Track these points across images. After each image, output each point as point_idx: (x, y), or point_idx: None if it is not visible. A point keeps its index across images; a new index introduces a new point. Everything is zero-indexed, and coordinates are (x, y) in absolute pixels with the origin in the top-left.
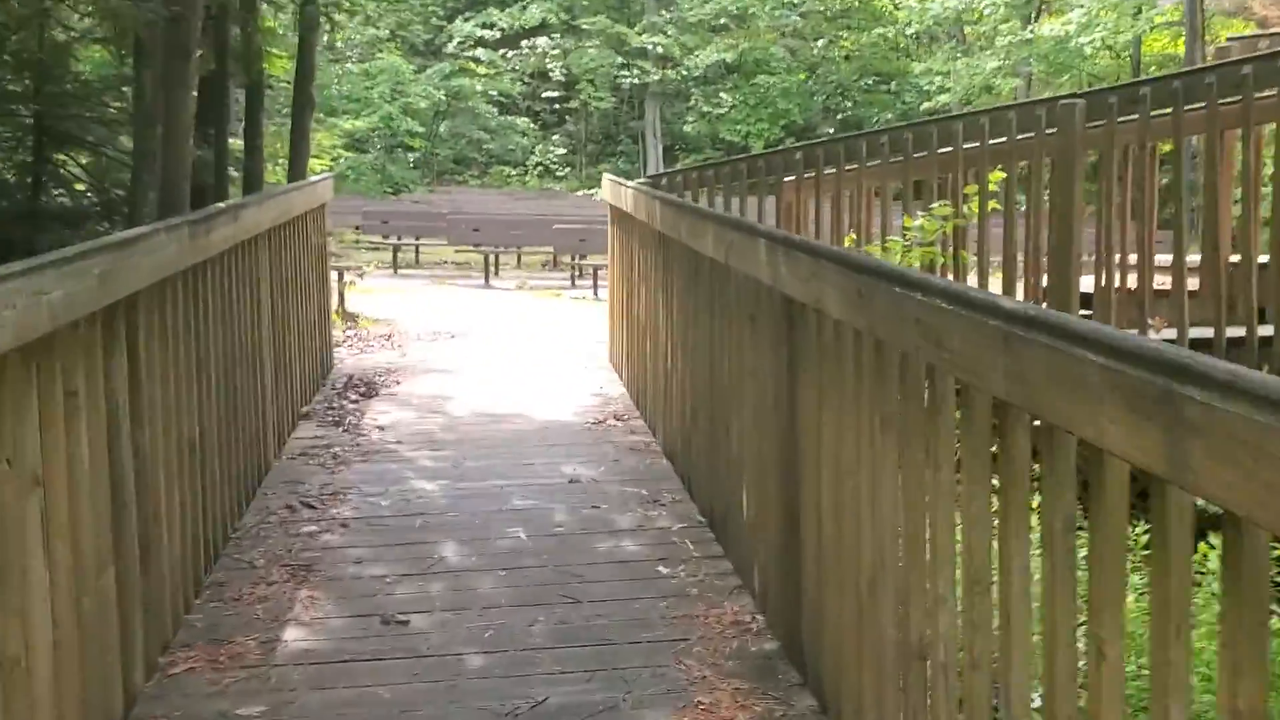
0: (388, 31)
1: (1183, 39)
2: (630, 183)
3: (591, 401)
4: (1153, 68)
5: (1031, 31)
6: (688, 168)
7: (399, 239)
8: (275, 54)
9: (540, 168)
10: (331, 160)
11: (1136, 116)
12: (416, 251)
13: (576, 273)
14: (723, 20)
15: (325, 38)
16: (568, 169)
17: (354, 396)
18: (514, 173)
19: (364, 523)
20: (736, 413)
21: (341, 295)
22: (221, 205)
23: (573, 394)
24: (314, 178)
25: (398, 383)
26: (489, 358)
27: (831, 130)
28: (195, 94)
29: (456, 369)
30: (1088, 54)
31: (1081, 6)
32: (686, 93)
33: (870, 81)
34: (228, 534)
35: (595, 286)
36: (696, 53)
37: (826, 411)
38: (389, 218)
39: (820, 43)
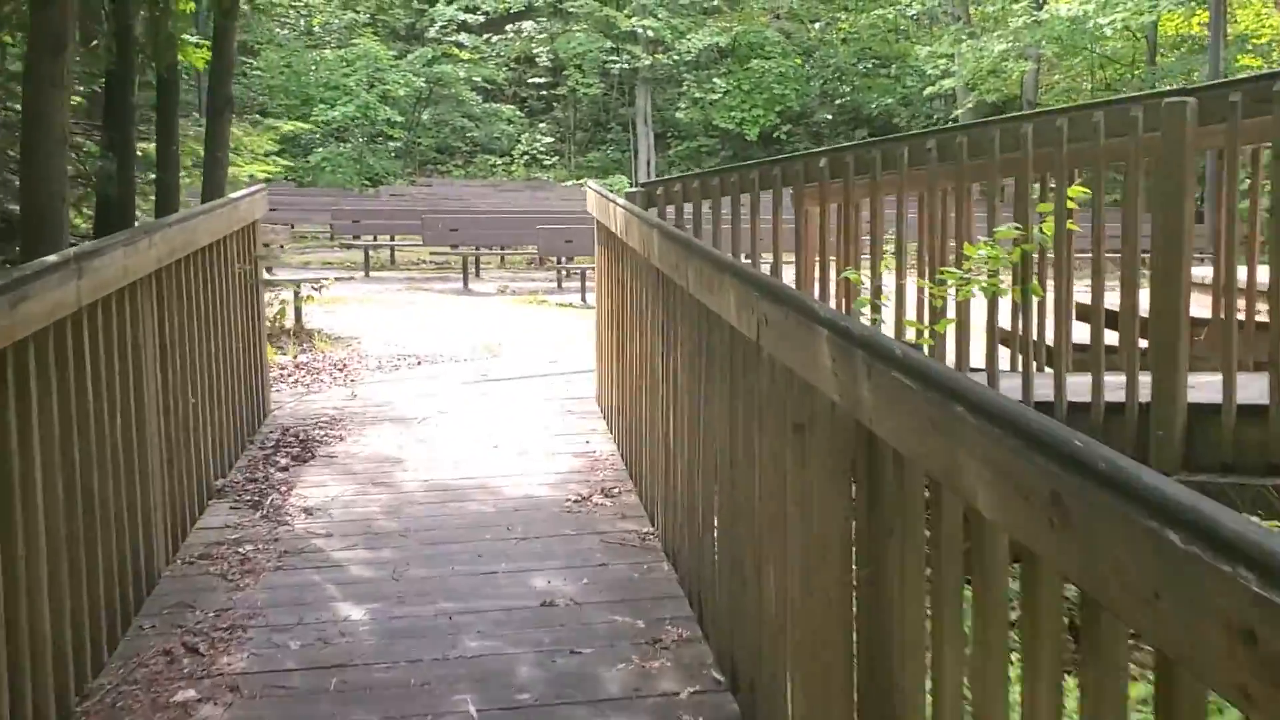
0: (367, 15)
1: (1197, 18)
2: (620, 199)
3: (574, 464)
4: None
5: (1046, 12)
6: (688, 175)
7: (374, 238)
8: (192, 44)
9: (527, 157)
10: (272, 167)
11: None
12: (392, 252)
13: (563, 274)
14: (715, 2)
15: (302, 21)
16: (555, 158)
17: (284, 460)
18: (499, 162)
19: (261, 684)
20: (775, 552)
21: (298, 312)
22: (53, 259)
23: (552, 452)
24: (239, 193)
25: (340, 438)
26: (454, 396)
27: (830, 116)
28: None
29: (413, 414)
30: (1108, 35)
31: None
32: (678, 78)
33: (869, 65)
34: (68, 711)
35: (583, 290)
36: (688, 36)
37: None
38: (361, 216)
39: (817, 25)
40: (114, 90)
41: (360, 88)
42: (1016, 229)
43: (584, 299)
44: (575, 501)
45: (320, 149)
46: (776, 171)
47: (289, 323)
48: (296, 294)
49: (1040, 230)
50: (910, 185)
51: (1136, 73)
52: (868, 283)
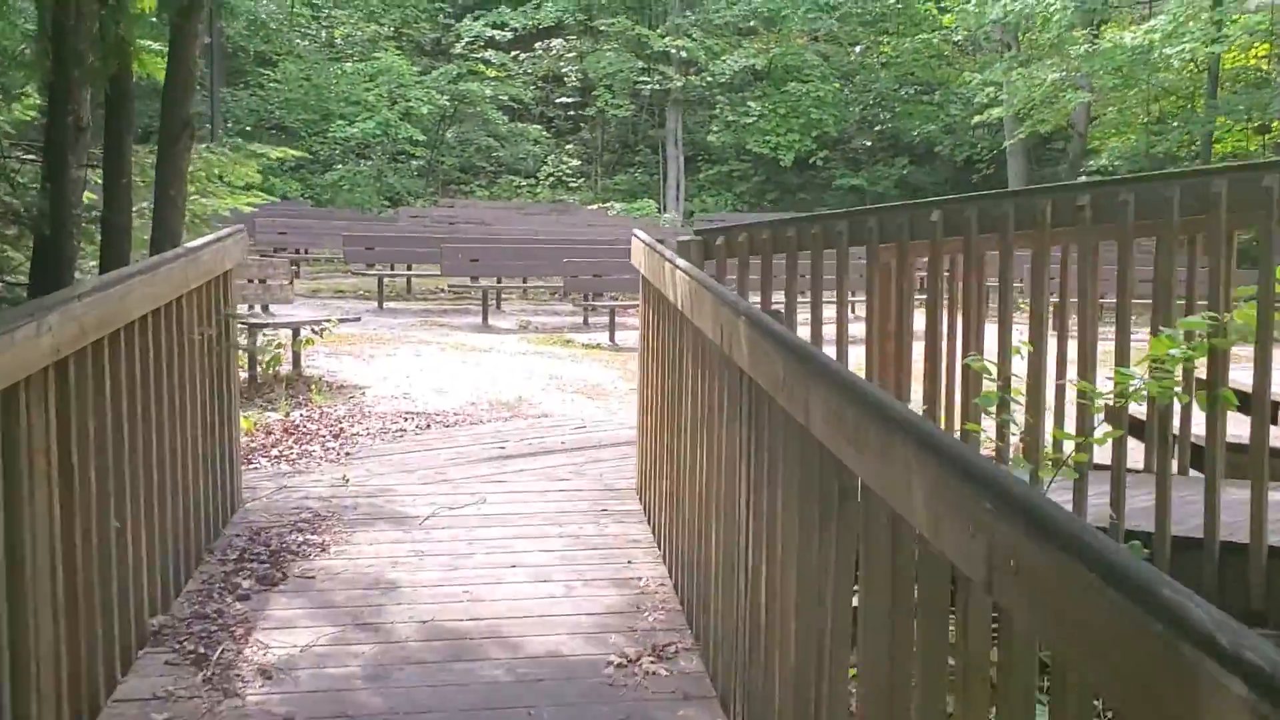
0: (391, 29)
1: (1254, 51)
2: (680, 261)
3: (614, 599)
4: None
5: (1100, 41)
6: (756, 224)
7: (391, 267)
8: (154, 51)
9: (552, 178)
10: (258, 199)
11: None
12: (408, 281)
13: (589, 310)
14: (751, 23)
15: (324, 33)
16: (581, 180)
17: (247, 582)
18: (524, 183)
19: None
20: None
21: (296, 357)
22: None
23: (584, 576)
24: (201, 241)
25: (322, 545)
26: (465, 481)
27: (869, 142)
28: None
29: (415, 511)
30: (1175, 65)
31: (1164, 14)
32: (711, 100)
33: (911, 91)
34: None
35: (611, 328)
36: (723, 57)
37: None
38: (375, 243)
39: (857, 49)
40: (54, 106)
41: (382, 104)
42: (1211, 318)
43: (612, 339)
44: (618, 666)
45: (340, 166)
46: (872, 224)
47: (286, 368)
48: (296, 337)
49: (1231, 318)
50: (1032, 243)
51: (1196, 106)
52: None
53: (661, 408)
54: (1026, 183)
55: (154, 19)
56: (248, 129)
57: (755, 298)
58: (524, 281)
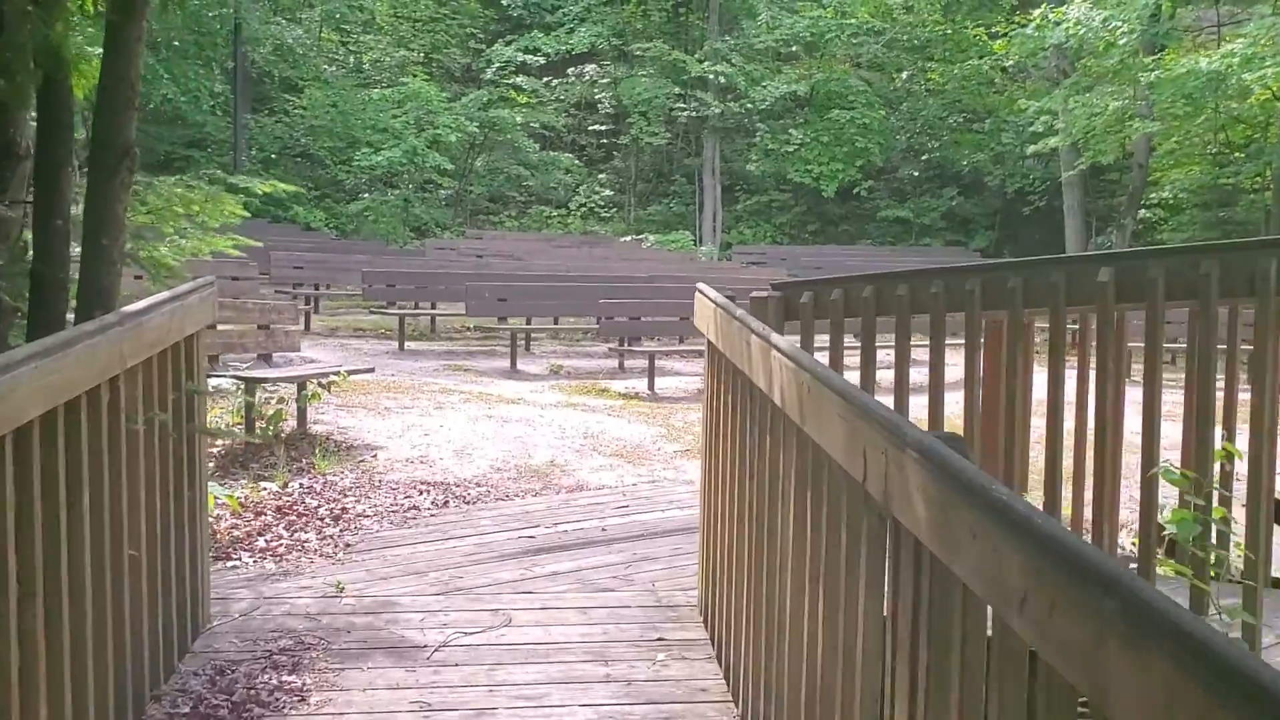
0: (421, 55)
1: None
2: (778, 339)
3: None
4: None
5: (1164, 66)
6: (855, 277)
7: (415, 305)
8: (86, 60)
9: (584, 208)
10: (235, 244)
11: None
12: (432, 320)
13: (624, 355)
14: (793, 48)
15: (352, 59)
16: (614, 210)
17: None
18: (555, 214)
19: None
20: None
21: (301, 414)
22: None
23: None
24: (148, 302)
25: (301, 693)
26: (486, 589)
27: (915, 172)
28: None
29: (422, 638)
30: (1254, 92)
31: (1244, 37)
32: (750, 128)
33: (959, 119)
34: None
35: (650, 376)
36: (763, 83)
37: None
38: (396, 279)
39: (904, 74)
40: None
41: (409, 131)
42: None
43: (650, 387)
44: None
45: (366, 195)
46: (1015, 283)
47: (291, 424)
48: (301, 391)
49: None
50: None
51: (1269, 138)
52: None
53: (738, 517)
54: (1084, 216)
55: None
56: (272, 156)
57: (852, 375)
58: (555, 322)
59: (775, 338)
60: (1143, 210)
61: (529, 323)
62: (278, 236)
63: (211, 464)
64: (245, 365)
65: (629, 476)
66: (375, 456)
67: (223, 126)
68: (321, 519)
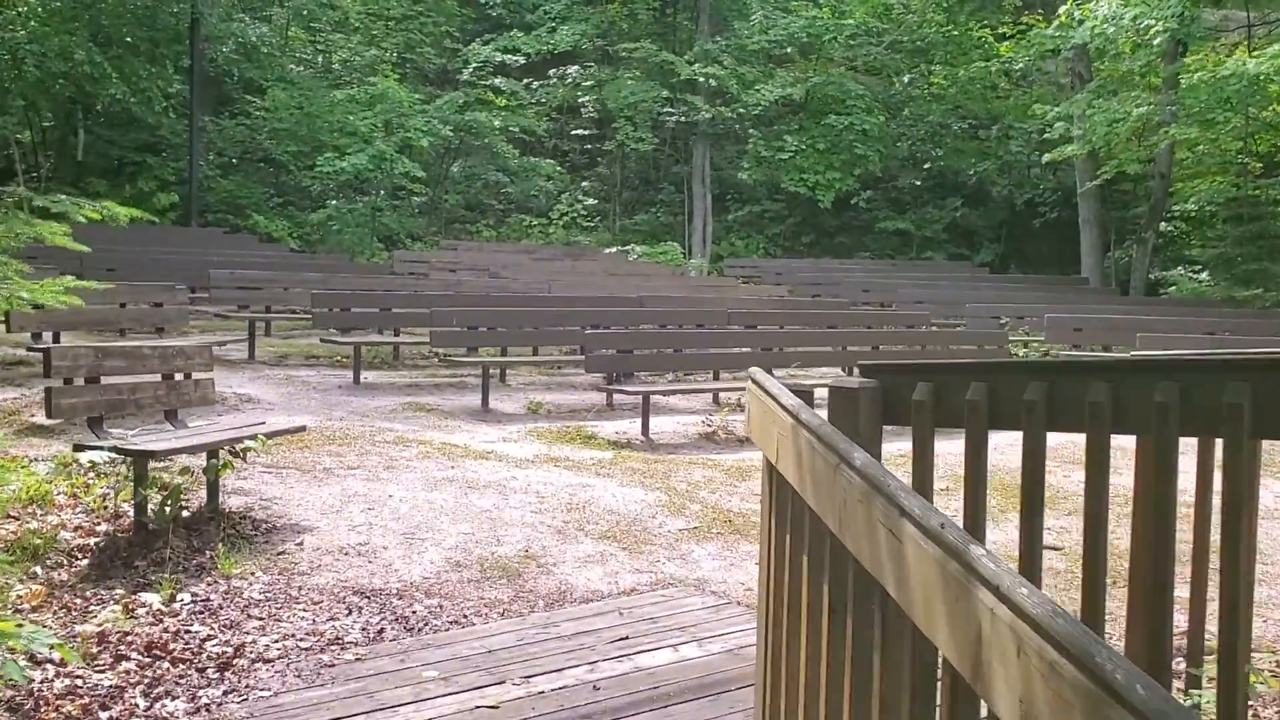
0: (395, 55)
1: None
2: (871, 470)
3: None
4: None
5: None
6: (989, 363)
7: (379, 331)
8: None
9: (566, 218)
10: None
11: None
12: (396, 349)
13: (613, 392)
14: (788, 50)
15: (320, 58)
16: (598, 219)
17: None
18: (535, 223)
19: None
20: None
21: (212, 489)
22: None
23: None
24: None
25: None
26: None
27: (917, 181)
28: None
29: None
30: None
31: None
32: (742, 133)
33: (965, 125)
34: None
35: (644, 417)
36: (756, 87)
37: None
38: (352, 302)
39: (904, 79)
40: None
41: (377, 135)
42: None
43: (644, 431)
44: None
45: (334, 202)
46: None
47: (200, 497)
48: (212, 459)
49: None
50: None
51: None
52: None
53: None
54: (1101, 228)
55: None
56: (233, 161)
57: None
58: (534, 352)
59: (915, 506)
60: (1164, 223)
61: (504, 353)
62: (231, 250)
63: (85, 560)
64: (135, 431)
65: (625, 573)
66: (301, 544)
67: (179, 129)
68: (204, 668)
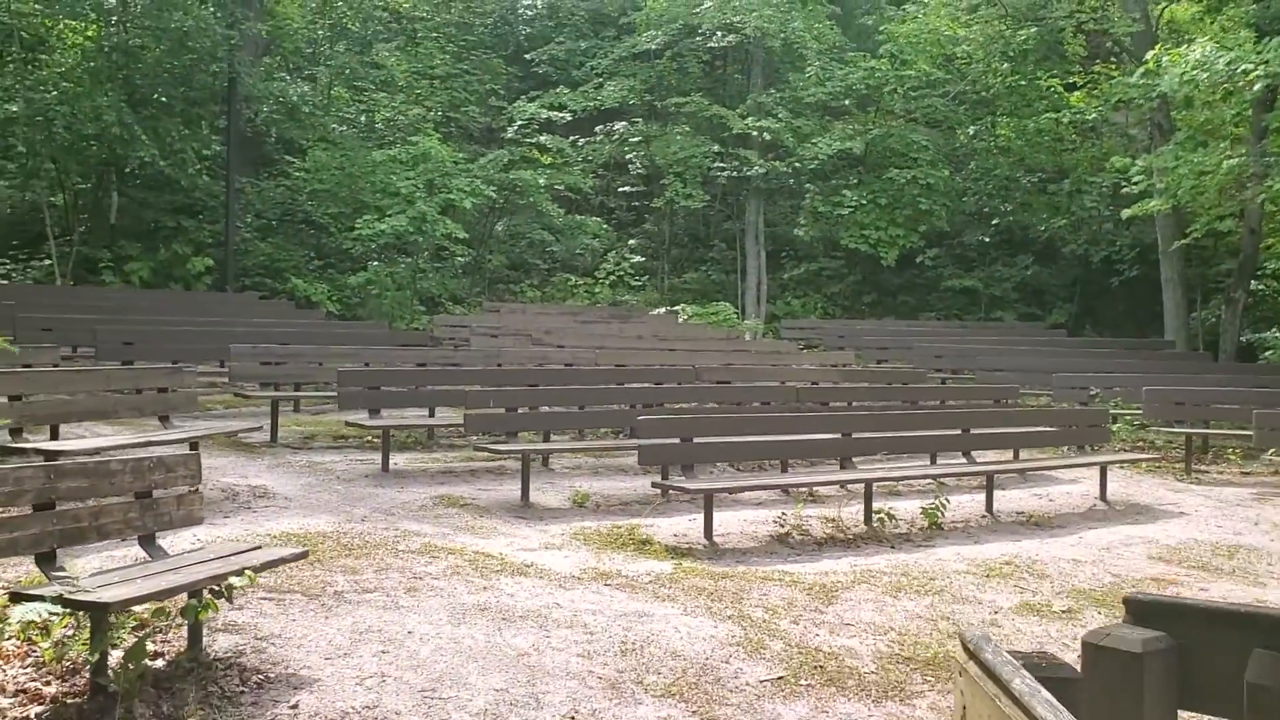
0: (438, 112)
1: None
2: None
3: None
4: None
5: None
6: None
7: (425, 410)
8: None
9: (613, 276)
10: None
11: None
12: (430, 430)
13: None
14: (845, 102)
15: (363, 117)
16: (646, 278)
17: None
18: (581, 282)
19: None
20: None
21: (194, 634)
22: None
23: None
24: None
25: None
26: None
27: (985, 238)
28: None
29: None
30: None
31: None
32: (798, 188)
33: (1036, 179)
34: None
35: (708, 518)
36: (812, 140)
37: None
38: (379, 380)
39: (969, 130)
40: None
41: (418, 195)
42: None
43: (707, 533)
44: None
45: (376, 263)
46: None
47: (179, 646)
48: (196, 600)
49: None
50: None
51: None
52: None
53: None
54: (1186, 289)
55: None
56: (272, 223)
57: None
58: (580, 435)
59: None
60: (1253, 281)
61: (546, 437)
62: (263, 317)
63: None
64: (90, 573)
65: None
66: (296, 708)
67: (216, 191)
68: None
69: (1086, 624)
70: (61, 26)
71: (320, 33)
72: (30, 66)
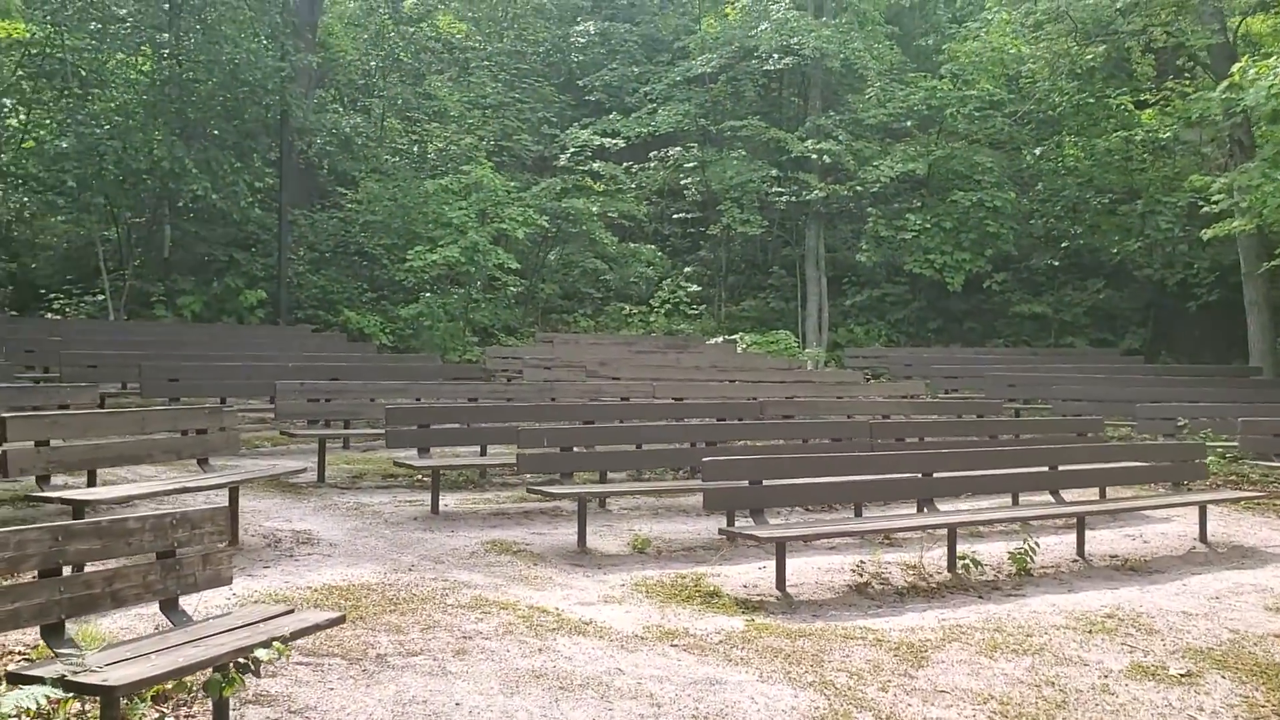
0: (490, 141)
1: None
2: None
3: None
4: None
5: None
6: None
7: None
8: None
9: (668, 305)
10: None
11: None
12: (482, 470)
13: (737, 537)
14: (906, 123)
15: (415, 148)
16: (702, 306)
17: None
18: (635, 310)
19: None
20: None
21: (219, 709)
22: None
23: None
24: None
25: None
26: None
27: (1054, 261)
28: None
29: None
30: None
31: None
32: (859, 212)
33: (1105, 201)
34: None
35: (780, 567)
36: (874, 163)
37: None
38: (428, 418)
39: (1036, 150)
40: None
41: (470, 225)
42: None
43: (780, 585)
44: None
45: (427, 295)
46: None
47: (208, 712)
48: (221, 675)
49: None
50: None
51: None
52: None
53: None
54: (1273, 313)
55: None
56: (325, 255)
57: None
58: (638, 473)
59: None
60: None
61: (603, 477)
62: (314, 351)
63: None
64: (99, 647)
65: None
66: None
67: (269, 224)
68: None
69: (1210, 691)
70: (114, 61)
71: (373, 64)
72: (84, 102)
